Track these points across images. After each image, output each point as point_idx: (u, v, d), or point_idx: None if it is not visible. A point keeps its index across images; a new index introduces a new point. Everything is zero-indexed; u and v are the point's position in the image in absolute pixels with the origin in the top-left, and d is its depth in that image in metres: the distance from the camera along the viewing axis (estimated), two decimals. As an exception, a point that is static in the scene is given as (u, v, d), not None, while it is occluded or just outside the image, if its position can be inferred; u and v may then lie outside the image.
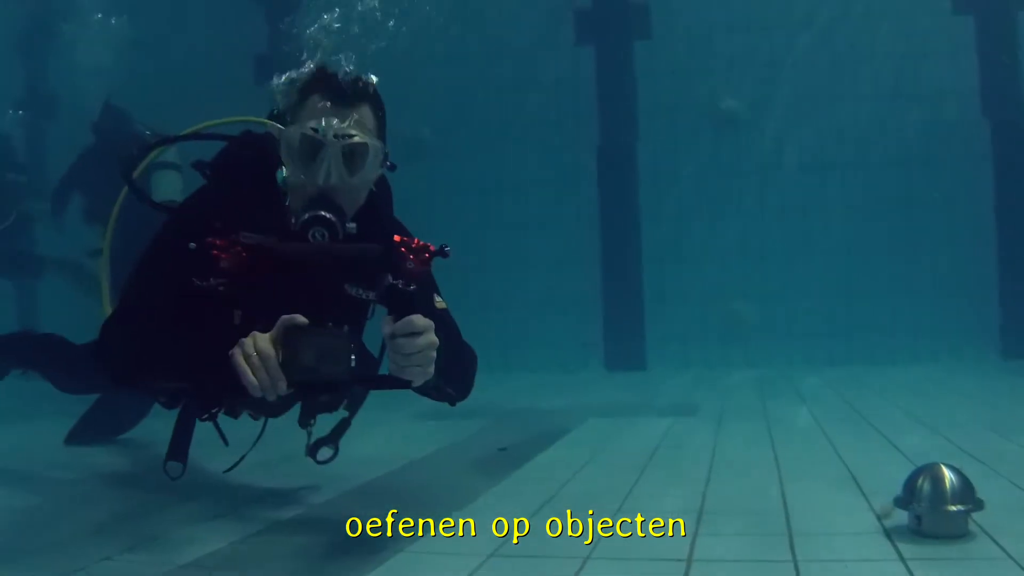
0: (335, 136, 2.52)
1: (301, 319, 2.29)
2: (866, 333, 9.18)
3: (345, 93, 2.58)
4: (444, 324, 2.53)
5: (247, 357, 2.25)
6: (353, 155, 2.55)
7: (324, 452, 3.16)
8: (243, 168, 2.75)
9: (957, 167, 9.24)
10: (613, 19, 10.03)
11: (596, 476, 3.57)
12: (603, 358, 9.64)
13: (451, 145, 10.20)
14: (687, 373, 8.49)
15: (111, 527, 2.85)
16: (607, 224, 9.82)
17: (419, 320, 2.28)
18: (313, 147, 2.53)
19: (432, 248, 2.44)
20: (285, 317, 2.29)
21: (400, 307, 2.30)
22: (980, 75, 9.20)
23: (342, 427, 3.17)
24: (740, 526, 2.63)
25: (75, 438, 4.65)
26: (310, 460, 3.08)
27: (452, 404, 2.86)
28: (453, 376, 2.64)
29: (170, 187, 6.92)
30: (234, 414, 3.12)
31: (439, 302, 2.71)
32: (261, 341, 2.26)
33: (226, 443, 3.00)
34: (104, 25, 10.78)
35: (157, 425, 3.76)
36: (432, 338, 2.30)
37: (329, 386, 2.47)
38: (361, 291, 2.77)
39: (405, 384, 2.39)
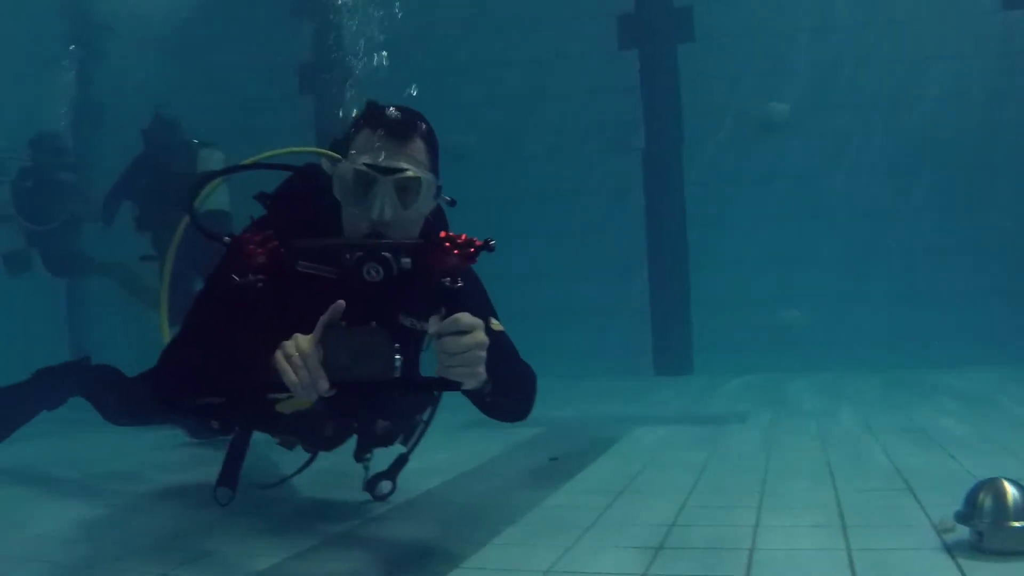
0: (387, 171, 2.52)
1: (340, 306, 2.26)
2: (917, 338, 9.03)
3: (397, 127, 2.58)
4: (501, 345, 2.50)
5: (288, 357, 2.23)
6: (406, 190, 2.55)
7: (382, 487, 3.19)
8: (302, 202, 2.75)
9: (1014, 170, 9.07)
10: (656, 23, 10.00)
11: (648, 488, 3.54)
12: (651, 363, 9.61)
13: (495, 152, 10.22)
14: (734, 379, 8.42)
15: (166, 542, 2.88)
16: (653, 229, 9.78)
17: (465, 318, 2.24)
18: (366, 182, 2.53)
19: (478, 242, 2.41)
20: (325, 316, 2.26)
21: (447, 305, 2.28)
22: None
23: (400, 462, 3.19)
24: (797, 540, 2.60)
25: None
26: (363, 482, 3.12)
27: (512, 421, 2.85)
28: (510, 390, 2.61)
29: (217, 197, 7.02)
30: (288, 445, 3.15)
31: (496, 324, 2.65)
32: (302, 341, 2.24)
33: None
34: (150, 35, 10.95)
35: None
36: (480, 337, 2.25)
37: (372, 386, 2.41)
38: (415, 322, 2.74)
39: (454, 386, 2.33)
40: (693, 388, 8.00)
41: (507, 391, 2.57)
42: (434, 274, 2.60)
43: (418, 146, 2.60)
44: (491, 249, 2.46)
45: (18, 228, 8.40)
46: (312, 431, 3.00)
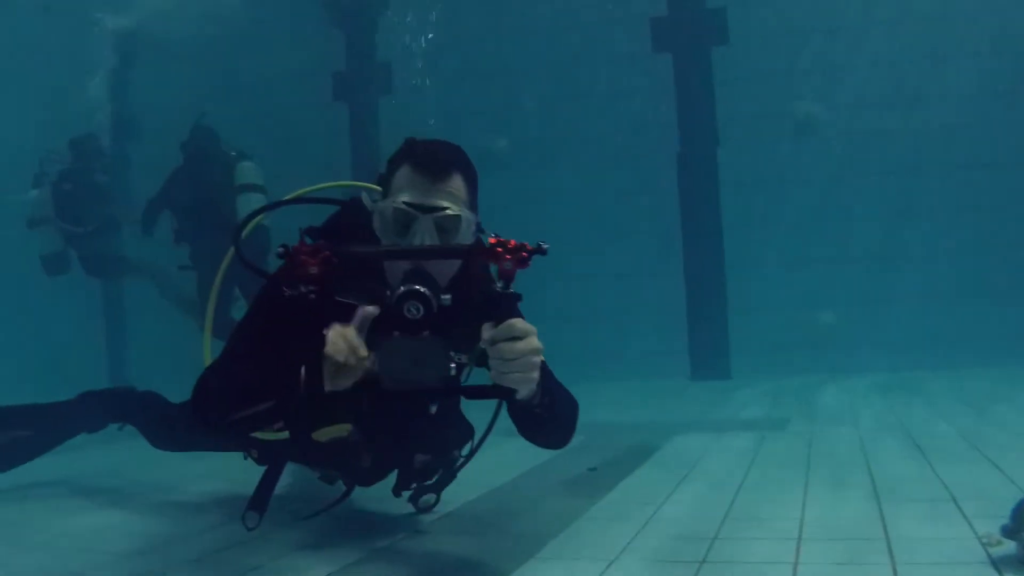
0: (427, 209, 2.53)
1: (371, 311, 2.30)
2: (956, 338, 8.95)
3: (435, 164, 2.57)
4: (544, 373, 2.49)
5: (329, 342, 2.28)
6: (445, 228, 2.55)
7: (427, 499, 3.21)
8: (348, 236, 2.72)
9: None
10: (689, 25, 9.97)
11: (688, 500, 3.54)
12: (688, 366, 9.59)
13: (529, 156, 10.25)
14: (772, 383, 8.38)
15: (211, 556, 2.92)
16: (689, 232, 9.75)
17: (520, 324, 2.25)
18: (405, 221, 2.54)
19: (529, 247, 2.39)
20: (366, 309, 2.29)
21: (501, 312, 2.28)
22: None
23: (447, 477, 3.20)
24: (840, 554, 2.59)
25: None
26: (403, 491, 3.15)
27: (552, 447, 2.85)
28: (557, 407, 2.61)
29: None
30: (329, 480, 3.18)
31: None
32: (337, 326, 2.30)
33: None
34: (184, 45, 11.10)
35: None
36: (535, 343, 2.26)
37: (424, 393, 2.40)
38: (456, 354, 2.72)
39: (508, 393, 2.34)
40: (730, 393, 7.96)
41: (554, 407, 2.57)
42: (481, 281, 2.61)
43: (457, 183, 2.59)
44: (544, 252, 2.40)
45: (56, 230, 8.54)
46: (350, 463, 3.02)
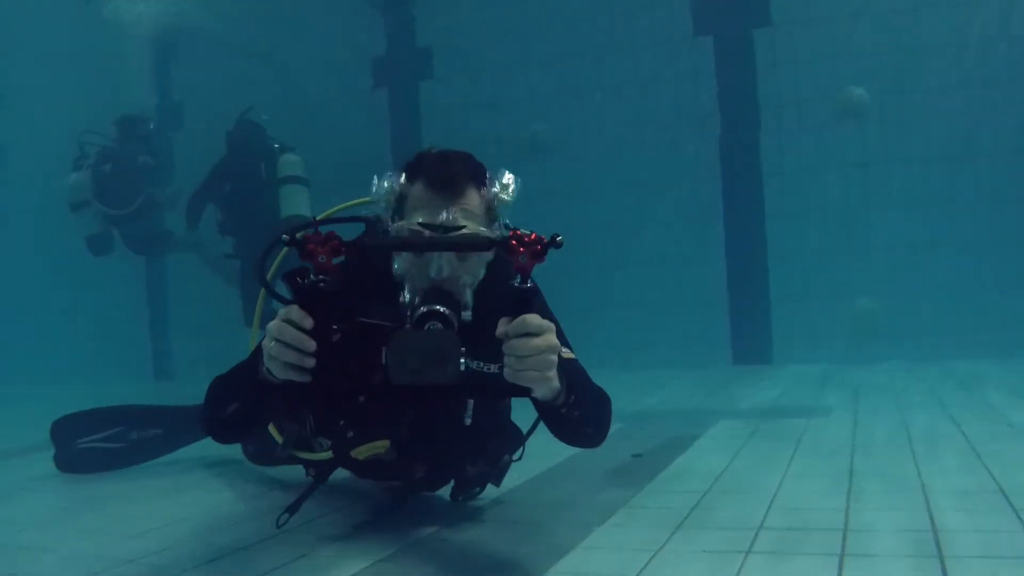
0: (443, 230, 2.52)
1: None
2: (998, 328, 8.80)
3: (449, 181, 2.56)
4: (573, 371, 2.50)
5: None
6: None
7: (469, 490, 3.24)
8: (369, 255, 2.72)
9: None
10: (731, 7, 9.88)
11: (733, 487, 3.54)
12: (729, 352, 9.55)
13: (570, 144, 10.21)
14: (815, 369, 8.31)
15: (257, 546, 2.94)
16: (731, 219, 9.68)
17: (534, 319, 2.20)
18: None
19: (544, 240, 2.34)
20: None
21: (516, 307, 2.24)
22: None
23: (501, 468, 3.22)
24: (889, 547, 2.58)
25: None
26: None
27: (584, 445, 2.82)
28: (586, 405, 2.58)
29: (299, 203, 7.14)
30: (396, 490, 3.21)
31: (567, 352, 2.56)
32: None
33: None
34: (225, 34, 11.18)
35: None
36: (551, 340, 2.20)
37: (437, 389, 2.36)
38: (482, 365, 2.66)
39: (523, 392, 2.31)
40: (772, 379, 7.90)
41: (582, 406, 2.53)
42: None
43: (472, 197, 2.59)
44: (559, 245, 2.35)
45: (96, 212, 8.66)
46: (404, 475, 3.05)
